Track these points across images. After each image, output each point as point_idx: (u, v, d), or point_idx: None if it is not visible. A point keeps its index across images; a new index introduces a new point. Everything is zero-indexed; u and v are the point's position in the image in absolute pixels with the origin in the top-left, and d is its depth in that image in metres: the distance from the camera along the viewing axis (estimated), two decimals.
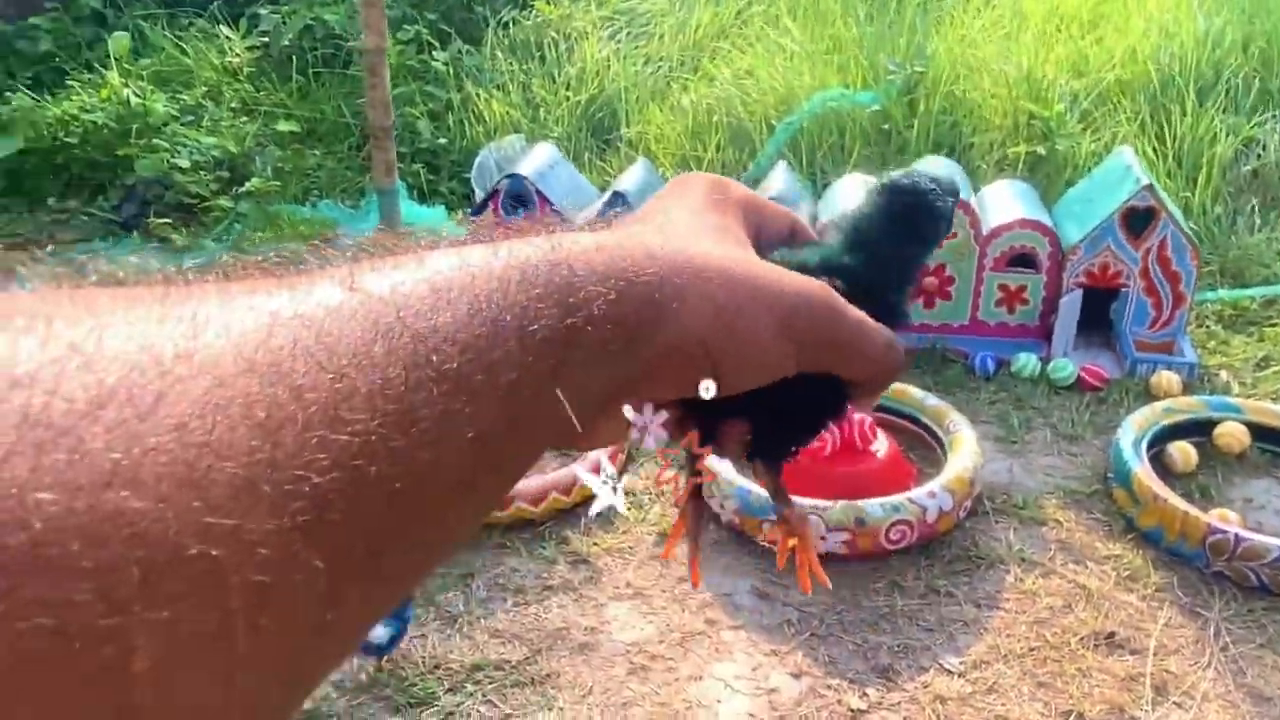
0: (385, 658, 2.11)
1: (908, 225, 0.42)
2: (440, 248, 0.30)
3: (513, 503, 2.51)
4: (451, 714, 2.04)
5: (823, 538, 2.34)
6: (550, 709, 2.04)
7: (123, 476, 0.20)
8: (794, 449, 0.42)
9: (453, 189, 4.49)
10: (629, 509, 2.61)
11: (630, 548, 2.48)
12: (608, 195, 3.41)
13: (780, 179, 3.48)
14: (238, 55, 4.97)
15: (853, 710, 2.00)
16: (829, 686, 2.06)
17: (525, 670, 2.14)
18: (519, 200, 3.37)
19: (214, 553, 0.21)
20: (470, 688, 2.10)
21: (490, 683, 2.11)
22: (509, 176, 3.39)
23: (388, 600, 0.27)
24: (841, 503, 2.33)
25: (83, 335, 0.22)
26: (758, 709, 2.01)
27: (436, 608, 2.30)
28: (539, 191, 3.35)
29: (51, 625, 0.19)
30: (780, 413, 0.39)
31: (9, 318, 0.21)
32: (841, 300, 0.37)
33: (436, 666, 2.15)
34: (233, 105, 4.83)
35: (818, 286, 0.37)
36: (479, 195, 4.02)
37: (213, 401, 0.22)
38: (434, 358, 0.26)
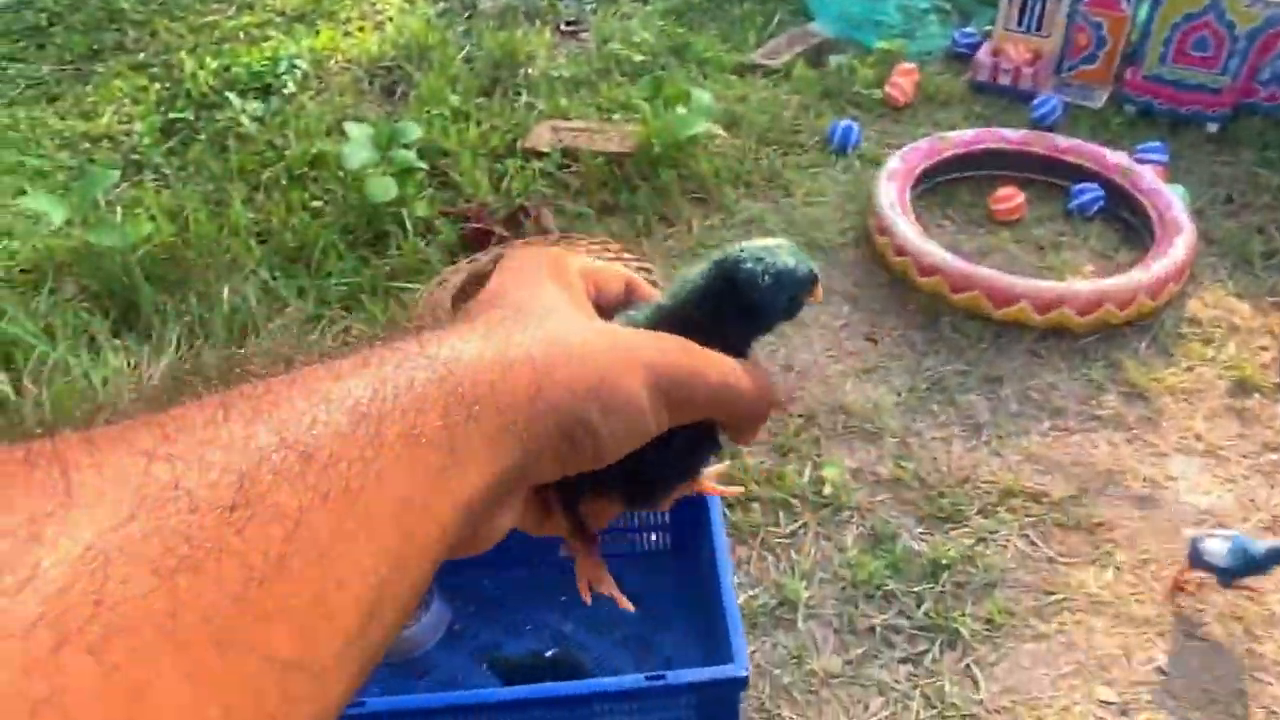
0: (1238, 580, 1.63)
1: (724, 301, 0.40)
2: (310, 366, 0.29)
3: (1059, 307, 2.12)
4: (984, 540, 1.80)
5: None
6: (1105, 566, 1.75)
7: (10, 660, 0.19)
8: (667, 494, 0.43)
9: None
10: (1195, 342, 2.15)
11: (1199, 391, 2.05)
12: None
13: None
14: None
15: None
16: None
17: (1070, 511, 1.84)
18: None
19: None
20: (1004, 515, 1.84)
21: (1028, 515, 1.84)
22: None
23: None
24: None
25: None
26: None
27: (957, 409, 2.03)
28: None
29: None
30: (654, 466, 0.39)
31: None
32: (701, 351, 0.37)
33: (965, 480, 1.90)
34: None
35: (675, 343, 0.37)
36: None
37: (99, 554, 0.21)
38: (320, 477, 0.25)
